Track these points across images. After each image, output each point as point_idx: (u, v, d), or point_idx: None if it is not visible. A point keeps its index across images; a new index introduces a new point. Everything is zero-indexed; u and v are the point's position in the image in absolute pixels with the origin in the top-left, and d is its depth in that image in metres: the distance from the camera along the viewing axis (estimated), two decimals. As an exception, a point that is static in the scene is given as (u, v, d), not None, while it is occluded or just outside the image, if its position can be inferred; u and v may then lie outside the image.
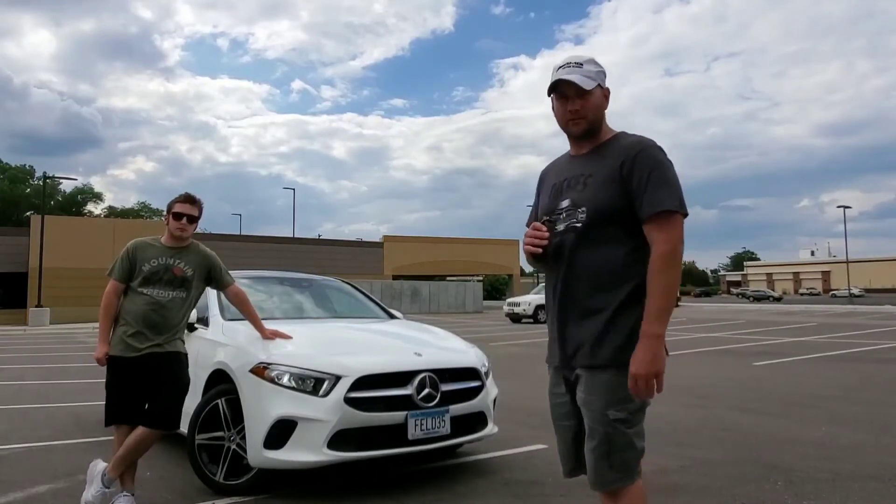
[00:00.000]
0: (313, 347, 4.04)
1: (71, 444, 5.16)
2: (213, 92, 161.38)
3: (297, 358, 3.77)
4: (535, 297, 23.98)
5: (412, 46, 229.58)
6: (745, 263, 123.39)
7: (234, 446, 3.79)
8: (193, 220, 3.58)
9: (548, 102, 2.14)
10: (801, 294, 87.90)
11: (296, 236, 45.38)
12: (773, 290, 79.40)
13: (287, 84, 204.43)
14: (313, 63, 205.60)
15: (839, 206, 53.36)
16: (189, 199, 3.57)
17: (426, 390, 3.76)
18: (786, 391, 7.61)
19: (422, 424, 3.70)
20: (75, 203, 62.49)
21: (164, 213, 3.69)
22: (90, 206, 65.01)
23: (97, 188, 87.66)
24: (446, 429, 3.80)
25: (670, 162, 1.99)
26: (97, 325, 3.62)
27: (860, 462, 4.40)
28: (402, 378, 3.75)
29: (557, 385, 2.14)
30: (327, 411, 3.53)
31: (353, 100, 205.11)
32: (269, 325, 4.03)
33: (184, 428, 3.70)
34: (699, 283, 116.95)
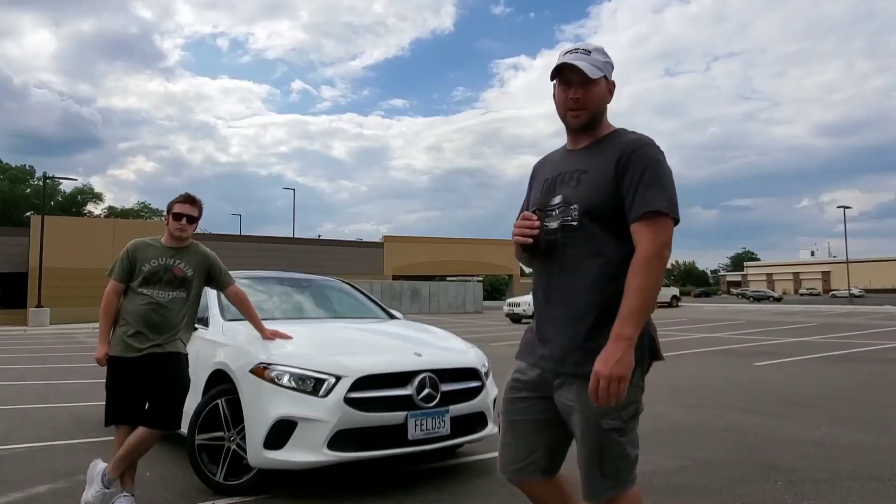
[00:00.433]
0: (313, 348, 4.04)
1: (71, 444, 5.16)
2: (213, 92, 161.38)
3: (297, 358, 3.77)
4: None
5: (412, 46, 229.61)
6: (745, 263, 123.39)
7: (234, 446, 3.79)
8: (193, 220, 3.58)
9: (549, 103, 2.07)
10: (802, 294, 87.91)
11: (296, 236, 45.42)
12: (773, 290, 79.40)
13: (287, 84, 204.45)
14: (313, 63, 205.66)
15: (839, 206, 53.37)
16: (189, 199, 3.57)
17: (426, 390, 3.76)
18: (786, 391, 7.61)
19: (422, 424, 3.70)
20: (75, 203, 62.53)
21: (164, 213, 3.70)
22: (90, 207, 65.12)
23: (97, 188, 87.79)
24: (446, 429, 3.80)
25: (667, 164, 1.92)
26: (97, 325, 3.62)
27: (860, 462, 4.40)
28: (402, 378, 3.75)
29: (529, 381, 2.01)
30: (327, 411, 3.53)
31: (353, 100, 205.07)
32: (269, 326, 4.03)
33: (184, 428, 3.70)
34: (699, 284, 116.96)
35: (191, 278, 3.59)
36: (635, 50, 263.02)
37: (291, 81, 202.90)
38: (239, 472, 3.76)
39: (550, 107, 2.09)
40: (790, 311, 32.53)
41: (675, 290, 45.43)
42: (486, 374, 4.29)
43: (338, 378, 3.61)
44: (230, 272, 3.94)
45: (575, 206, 1.93)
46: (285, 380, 3.64)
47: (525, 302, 24.34)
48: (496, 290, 59.08)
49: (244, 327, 4.11)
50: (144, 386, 3.42)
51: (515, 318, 24.22)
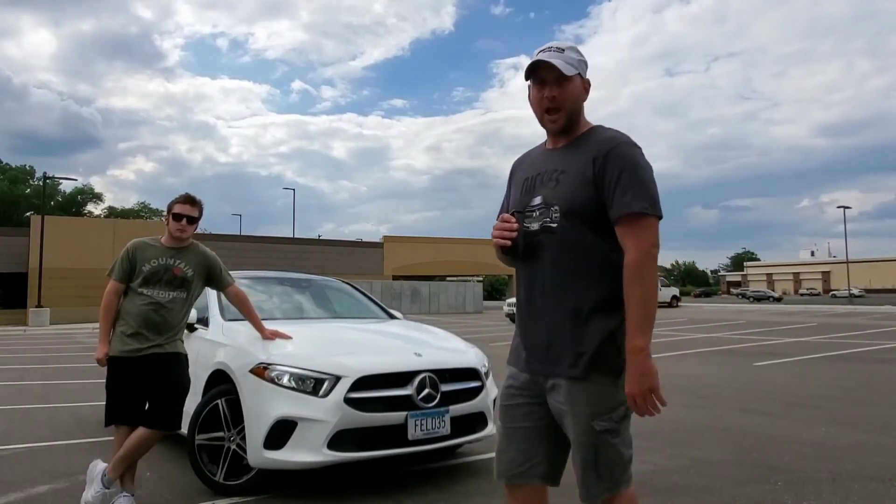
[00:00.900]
0: (313, 348, 4.04)
1: (71, 444, 5.16)
2: (213, 92, 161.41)
3: (297, 358, 3.77)
4: None
5: (412, 46, 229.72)
6: (745, 264, 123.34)
7: (234, 446, 3.79)
8: (193, 221, 3.58)
9: None
10: (801, 294, 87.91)
11: (296, 236, 45.41)
12: (773, 290, 79.37)
13: (287, 84, 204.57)
14: (313, 63, 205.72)
15: (839, 207, 53.37)
16: (189, 199, 3.57)
17: (426, 390, 3.76)
18: (786, 391, 7.61)
19: (422, 425, 3.70)
20: (75, 203, 62.51)
21: (164, 213, 3.69)
22: (90, 207, 65.06)
23: (97, 188, 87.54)
24: (446, 429, 3.80)
25: (646, 161, 1.91)
26: (97, 325, 3.62)
27: (860, 462, 4.40)
28: (402, 378, 3.75)
29: (523, 387, 1.99)
30: (327, 411, 3.53)
31: (353, 100, 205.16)
32: (269, 326, 4.03)
33: (184, 428, 3.70)
34: (699, 284, 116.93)
35: (191, 278, 3.59)
36: (635, 50, 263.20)
37: (291, 81, 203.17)
38: (239, 473, 3.76)
39: (527, 95, 2.02)
40: (790, 312, 32.53)
41: (675, 291, 45.46)
42: (486, 374, 4.29)
43: (338, 378, 3.61)
44: (230, 272, 3.94)
45: (555, 206, 1.90)
46: (285, 380, 3.64)
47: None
48: (496, 290, 59.07)
49: (244, 327, 4.11)
50: (144, 386, 3.42)
51: (515, 319, 24.28)
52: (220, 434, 3.83)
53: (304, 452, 3.52)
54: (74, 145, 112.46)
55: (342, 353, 3.91)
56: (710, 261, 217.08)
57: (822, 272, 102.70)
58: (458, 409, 3.91)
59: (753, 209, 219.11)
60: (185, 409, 3.50)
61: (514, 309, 2.12)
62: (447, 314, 35.58)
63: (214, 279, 3.77)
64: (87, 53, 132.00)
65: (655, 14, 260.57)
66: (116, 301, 3.51)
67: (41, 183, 44.88)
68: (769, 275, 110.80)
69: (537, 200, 1.95)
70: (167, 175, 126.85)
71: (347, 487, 3.94)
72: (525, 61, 2.04)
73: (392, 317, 5.52)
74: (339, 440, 3.54)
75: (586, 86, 1.98)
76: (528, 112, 2.04)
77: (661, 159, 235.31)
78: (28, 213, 50.65)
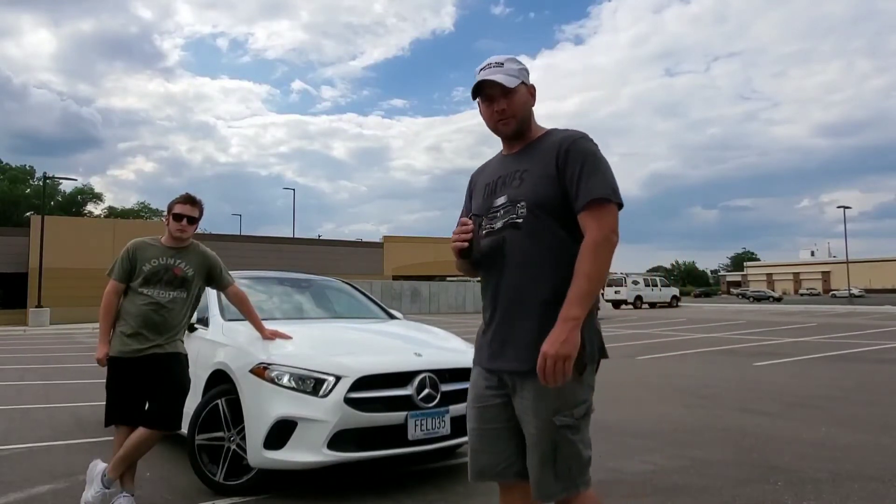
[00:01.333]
0: (313, 348, 4.04)
1: (71, 444, 5.17)
2: (213, 92, 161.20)
3: (297, 358, 3.77)
4: None
5: (412, 46, 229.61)
6: (745, 264, 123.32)
7: (234, 446, 3.79)
8: (193, 221, 3.58)
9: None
10: (801, 294, 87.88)
11: (296, 236, 45.42)
12: (773, 290, 79.38)
13: (287, 84, 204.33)
14: (313, 63, 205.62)
15: (839, 207, 53.35)
16: (189, 200, 3.56)
17: (426, 390, 3.76)
18: (786, 391, 7.61)
19: (422, 425, 3.70)
20: (75, 203, 62.53)
21: (165, 213, 3.69)
22: (90, 207, 65.10)
23: (97, 188, 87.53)
24: (446, 429, 3.80)
25: (602, 154, 1.97)
26: (97, 325, 3.62)
27: (860, 462, 4.40)
28: (402, 378, 3.75)
29: (492, 387, 2.02)
30: (327, 412, 3.53)
31: (353, 100, 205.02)
32: (269, 326, 4.03)
33: (184, 428, 3.70)
34: (699, 284, 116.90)
35: (191, 278, 3.59)
36: (635, 50, 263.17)
37: (291, 81, 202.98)
38: (239, 473, 3.76)
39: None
40: (790, 312, 32.54)
41: (675, 291, 45.41)
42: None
43: (338, 378, 3.61)
44: (230, 272, 3.94)
45: (522, 202, 1.96)
46: (285, 380, 3.64)
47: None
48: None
49: (244, 327, 4.11)
50: (144, 386, 3.42)
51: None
52: (220, 434, 3.83)
53: (304, 452, 3.52)
54: (74, 145, 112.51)
55: (342, 354, 3.91)
56: (710, 261, 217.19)
57: (822, 272, 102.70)
58: (458, 409, 3.90)
59: (753, 209, 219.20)
60: (185, 409, 3.50)
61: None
62: (447, 314, 35.58)
63: (215, 279, 3.77)
64: (87, 53, 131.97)
65: (655, 14, 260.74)
66: (116, 301, 3.51)
67: (41, 183, 44.89)
68: (769, 275, 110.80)
69: (501, 200, 2.02)
70: (167, 175, 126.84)
71: (347, 487, 3.94)
72: (525, 61, 2.09)
73: (392, 317, 5.53)
74: (339, 440, 3.54)
75: (531, 91, 2.07)
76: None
77: (661, 159, 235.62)
78: (28, 213, 50.67)
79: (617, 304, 40.37)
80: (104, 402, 3.50)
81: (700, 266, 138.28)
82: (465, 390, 3.97)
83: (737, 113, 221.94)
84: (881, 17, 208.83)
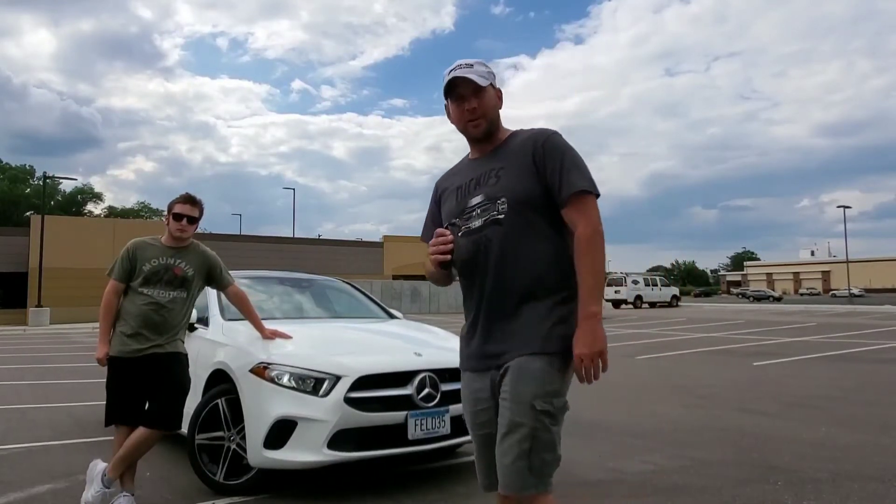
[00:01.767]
0: (313, 347, 4.04)
1: (71, 444, 5.17)
2: (213, 92, 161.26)
3: (297, 358, 3.77)
4: None
5: (412, 46, 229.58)
6: (745, 263, 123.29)
7: (234, 446, 3.79)
8: (194, 221, 3.57)
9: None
10: (801, 294, 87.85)
11: (296, 236, 45.40)
12: (773, 290, 79.32)
13: (287, 84, 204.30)
14: (313, 63, 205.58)
15: (839, 206, 53.34)
16: (189, 199, 3.56)
17: (426, 390, 3.76)
18: (786, 391, 7.61)
19: (422, 424, 3.70)
20: (75, 203, 62.52)
21: (165, 213, 3.69)
22: (90, 206, 65.10)
23: (97, 188, 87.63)
24: (446, 429, 3.80)
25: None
26: (97, 325, 3.62)
27: (860, 462, 4.40)
28: (402, 378, 3.75)
29: (482, 389, 2.01)
30: (327, 411, 3.53)
31: (353, 100, 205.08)
32: (269, 325, 4.03)
33: (184, 428, 3.70)
34: (699, 283, 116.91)
35: (191, 278, 3.58)
36: (635, 50, 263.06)
37: (291, 81, 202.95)
38: (239, 472, 3.76)
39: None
40: (790, 311, 32.54)
41: (675, 290, 45.37)
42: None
43: (338, 378, 3.61)
44: (230, 272, 3.94)
45: (502, 199, 1.96)
46: (285, 379, 3.64)
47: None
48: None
49: (244, 327, 4.11)
50: (144, 386, 3.42)
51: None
52: (220, 434, 3.83)
53: (304, 452, 3.52)
54: (74, 145, 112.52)
55: (342, 353, 3.91)
56: (709, 260, 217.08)
57: (822, 272, 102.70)
58: (458, 408, 3.90)
59: (753, 209, 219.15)
60: (185, 408, 3.50)
61: None
62: (447, 314, 35.57)
63: (215, 279, 3.77)
64: (87, 53, 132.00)
65: (655, 14, 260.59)
66: (116, 301, 3.51)
67: (41, 183, 44.88)
68: (769, 274, 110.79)
69: (477, 200, 2.02)
70: (167, 175, 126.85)
71: (347, 487, 3.94)
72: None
73: (392, 316, 5.53)
74: (339, 440, 3.54)
75: (499, 94, 2.11)
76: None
77: (661, 159, 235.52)
78: (28, 213, 50.67)
79: (617, 303, 40.35)
80: (104, 402, 3.50)
81: (700, 266, 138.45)
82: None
83: (737, 113, 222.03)
84: (881, 17, 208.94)
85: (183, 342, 3.61)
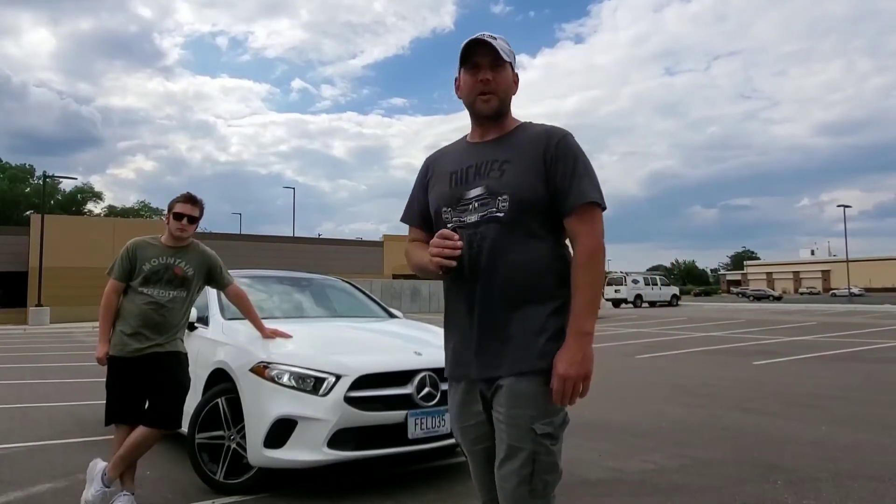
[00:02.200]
0: (313, 347, 4.04)
1: (71, 443, 5.17)
2: (213, 91, 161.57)
3: (297, 357, 3.77)
4: None
5: (412, 45, 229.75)
6: (744, 263, 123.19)
7: (234, 445, 3.79)
8: (194, 220, 3.57)
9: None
10: (801, 293, 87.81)
11: (296, 236, 45.40)
12: (773, 289, 79.30)
13: (287, 83, 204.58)
14: (313, 62, 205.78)
15: (839, 206, 53.35)
16: (190, 199, 3.56)
17: (426, 389, 3.76)
18: (786, 391, 7.61)
19: (422, 423, 3.70)
20: (75, 202, 62.49)
21: (165, 212, 3.69)
22: (90, 206, 65.09)
23: (97, 187, 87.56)
24: (446, 428, 3.80)
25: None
26: (97, 324, 3.62)
27: (860, 462, 4.40)
28: (402, 377, 3.75)
29: (473, 402, 1.85)
30: (327, 410, 3.53)
31: (353, 99, 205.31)
32: (268, 325, 4.03)
33: (184, 427, 3.70)
34: (699, 283, 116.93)
35: (191, 278, 3.58)
36: (635, 49, 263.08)
37: (291, 80, 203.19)
38: (239, 471, 3.76)
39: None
40: (790, 311, 32.53)
41: (675, 290, 45.37)
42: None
43: (338, 377, 3.60)
44: (230, 271, 3.94)
45: (504, 196, 1.79)
46: (285, 379, 3.64)
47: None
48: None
49: (244, 326, 4.11)
50: (144, 385, 3.42)
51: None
52: (221, 433, 3.83)
53: (304, 451, 3.52)
54: (74, 144, 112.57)
55: (342, 352, 3.91)
56: (709, 260, 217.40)
57: (822, 271, 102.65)
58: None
59: (753, 208, 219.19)
60: (185, 408, 3.50)
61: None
62: (447, 313, 35.60)
63: (214, 278, 3.77)
64: (87, 52, 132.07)
65: (656, 13, 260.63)
66: (116, 300, 3.51)
67: (41, 182, 44.83)
68: (769, 274, 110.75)
69: (476, 192, 1.83)
70: (167, 174, 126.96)
71: (347, 487, 3.94)
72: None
73: (392, 316, 5.52)
74: (339, 439, 3.54)
75: (516, 78, 1.93)
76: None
77: (661, 158, 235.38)
78: (28, 212, 50.65)
79: (617, 302, 40.35)
80: (104, 401, 3.50)
81: (700, 265, 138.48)
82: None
83: (737, 112, 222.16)
84: (881, 16, 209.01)
85: (182, 341, 3.61)
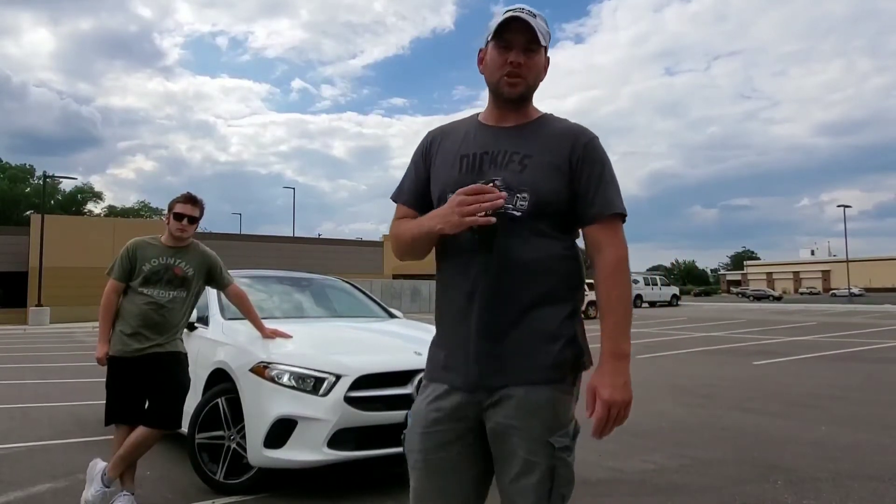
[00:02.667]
0: (313, 347, 4.04)
1: (71, 443, 5.17)
2: (213, 91, 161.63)
3: (297, 357, 3.77)
4: None
5: (412, 45, 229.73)
6: (745, 263, 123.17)
7: (234, 445, 3.80)
8: (194, 220, 3.57)
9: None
10: (801, 293, 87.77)
11: (296, 236, 45.41)
12: (773, 289, 79.26)
13: (287, 83, 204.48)
14: (313, 62, 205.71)
15: (839, 206, 53.38)
16: (190, 199, 3.56)
17: (426, 390, 3.75)
18: (786, 391, 7.61)
19: (422, 424, 3.69)
20: (75, 202, 62.52)
21: (165, 212, 3.69)
22: (90, 206, 65.12)
23: (97, 187, 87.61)
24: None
25: None
26: (97, 324, 3.62)
27: (860, 462, 4.40)
28: (402, 377, 3.74)
29: (457, 409, 1.66)
30: (327, 410, 3.53)
31: (353, 99, 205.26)
32: (268, 325, 4.03)
33: (184, 427, 3.70)
34: (699, 283, 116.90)
35: (191, 278, 3.58)
36: (636, 49, 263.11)
37: (291, 80, 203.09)
38: (239, 471, 3.76)
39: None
40: (790, 311, 32.53)
41: (675, 290, 45.36)
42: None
43: (338, 377, 3.60)
44: (230, 271, 3.93)
45: (524, 194, 1.64)
46: (285, 379, 3.64)
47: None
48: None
49: (244, 326, 4.11)
50: (144, 385, 3.42)
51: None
52: (221, 433, 3.83)
53: (304, 451, 3.52)
54: (74, 144, 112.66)
55: (342, 352, 3.91)
56: (709, 260, 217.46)
57: (822, 271, 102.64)
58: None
59: (753, 208, 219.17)
60: (185, 408, 3.50)
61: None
62: (447, 313, 35.62)
63: (215, 279, 3.76)
64: (87, 52, 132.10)
65: (656, 13, 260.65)
66: (116, 300, 3.51)
67: (41, 182, 44.84)
68: (769, 274, 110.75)
69: (495, 183, 1.66)
70: (167, 174, 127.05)
71: (348, 487, 3.94)
72: None
73: (392, 316, 5.52)
74: (339, 439, 3.54)
75: (547, 63, 1.75)
76: None
77: (661, 158, 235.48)
78: (28, 212, 50.67)
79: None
80: (104, 401, 3.50)
81: (700, 265, 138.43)
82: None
83: (737, 112, 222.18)
84: (881, 16, 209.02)
85: (182, 341, 3.61)
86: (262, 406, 3.61)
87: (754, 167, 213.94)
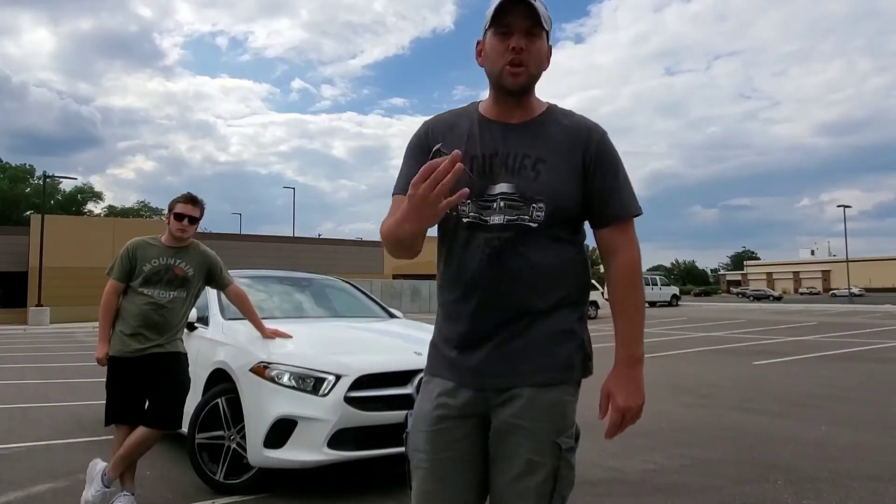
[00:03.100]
0: (313, 347, 4.04)
1: (71, 443, 5.17)
2: (213, 91, 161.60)
3: (298, 357, 3.77)
4: None
5: (412, 45, 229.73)
6: (744, 263, 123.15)
7: (234, 445, 3.80)
8: (195, 221, 3.57)
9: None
10: (801, 293, 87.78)
11: (296, 236, 45.42)
12: (773, 289, 79.26)
13: (287, 83, 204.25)
14: (313, 62, 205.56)
15: (839, 206, 53.45)
16: (191, 199, 3.56)
17: (426, 390, 3.75)
18: (786, 391, 7.61)
19: (422, 424, 3.69)
20: (75, 202, 62.52)
21: (165, 212, 3.69)
22: (90, 206, 65.13)
23: (97, 187, 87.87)
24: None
25: None
26: (97, 324, 3.62)
27: (860, 462, 4.40)
28: (402, 377, 3.75)
29: (463, 407, 1.62)
30: (327, 410, 3.53)
31: (353, 99, 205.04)
32: (268, 325, 4.03)
33: (184, 427, 3.70)
34: (699, 283, 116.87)
35: (192, 278, 3.58)
36: (636, 49, 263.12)
37: (291, 80, 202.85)
38: (239, 471, 3.76)
39: (476, 51, 1.68)
40: (790, 311, 32.53)
41: (675, 290, 45.40)
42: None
43: (338, 377, 3.60)
44: (230, 271, 3.94)
45: (540, 203, 1.57)
46: (285, 379, 3.64)
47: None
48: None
49: (244, 326, 4.11)
50: (144, 386, 3.42)
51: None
52: (221, 433, 3.84)
53: (304, 451, 3.52)
54: (74, 144, 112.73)
55: (342, 352, 3.91)
56: (709, 260, 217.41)
57: (823, 271, 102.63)
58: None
59: (753, 208, 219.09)
60: (185, 408, 3.50)
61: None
62: (447, 313, 35.61)
63: (215, 279, 3.77)
64: (87, 52, 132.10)
65: (656, 13, 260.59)
66: (116, 300, 3.51)
67: (41, 182, 44.85)
68: (769, 274, 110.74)
69: (504, 188, 1.58)
70: (167, 174, 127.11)
71: (348, 487, 3.94)
72: None
73: (392, 316, 5.53)
74: (339, 439, 3.54)
75: (549, 53, 1.66)
76: None
77: (661, 158, 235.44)
78: (28, 212, 50.70)
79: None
80: (104, 401, 3.50)
81: (700, 265, 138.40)
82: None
83: (737, 112, 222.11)
84: (881, 16, 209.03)
85: (182, 341, 3.61)
86: (263, 406, 3.61)
87: (754, 167, 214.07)
